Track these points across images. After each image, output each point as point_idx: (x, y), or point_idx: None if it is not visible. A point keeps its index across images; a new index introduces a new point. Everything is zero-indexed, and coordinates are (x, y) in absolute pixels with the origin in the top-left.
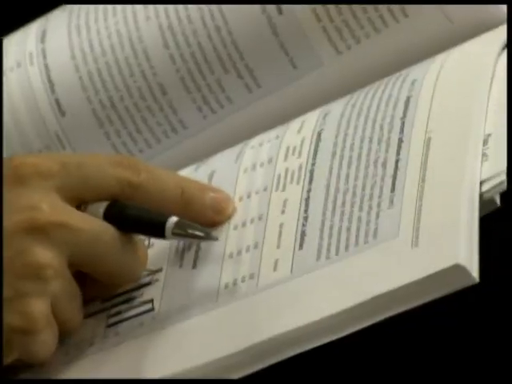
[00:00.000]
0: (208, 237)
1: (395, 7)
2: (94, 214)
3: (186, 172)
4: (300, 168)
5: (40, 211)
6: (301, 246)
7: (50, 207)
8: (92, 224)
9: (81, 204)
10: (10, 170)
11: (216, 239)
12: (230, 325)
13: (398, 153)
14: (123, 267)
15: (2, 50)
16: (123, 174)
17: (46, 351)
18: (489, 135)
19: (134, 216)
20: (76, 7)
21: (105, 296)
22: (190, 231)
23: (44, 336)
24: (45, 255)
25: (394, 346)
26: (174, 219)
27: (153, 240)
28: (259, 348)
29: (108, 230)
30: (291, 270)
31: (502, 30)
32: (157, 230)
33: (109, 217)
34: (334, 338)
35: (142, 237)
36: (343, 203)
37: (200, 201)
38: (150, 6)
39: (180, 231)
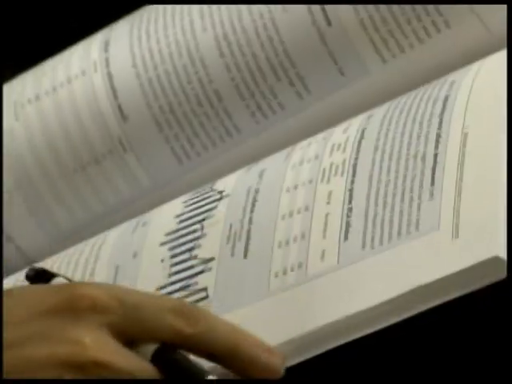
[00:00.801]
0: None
1: (438, 19)
2: (143, 354)
3: (239, 173)
4: (344, 162)
5: (83, 347)
6: (346, 236)
7: (95, 344)
8: (138, 366)
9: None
10: (67, 299)
11: None
12: (282, 313)
13: (437, 147)
14: None
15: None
16: (180, 324)
17: None
18: None
19: (178, 366)
20: (137, 18)
21: None
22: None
23: None
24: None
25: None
26: (211, 377)
27: (206, 229)
28: (310, 337)
29: (152, 373)
30: (338, 260)
31: None
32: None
33: (156, 360)
34: (378, 327)
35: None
36: (385, 194)
37: (250, 359)
38: (207, 17)
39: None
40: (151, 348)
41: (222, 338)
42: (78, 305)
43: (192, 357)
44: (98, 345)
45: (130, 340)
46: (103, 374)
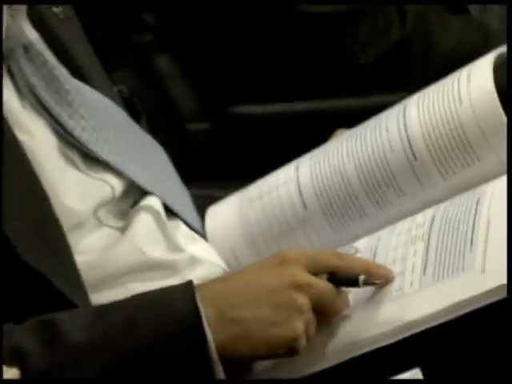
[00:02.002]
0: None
1: (473, 156)
2: (322, 278)
3: (364, 241)
4: (423, 234)
5: (299, 276)
6: (424, 271)
7: (303, 274)
8: (324, 284)
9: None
10: (278, 258)
11: (377, 284)
12: (385, 311)
13: (473, 225)
14: (337, 306)
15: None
16: (338, 263)
17: (300, 350)
18: None
19: (342, 279)
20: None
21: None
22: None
23: (301, 341)
24: (302, 300)
25: None
26: (362, 277)
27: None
28: (407, 325)
29: (331, 287)
30: (419, 286)
31: None
32: (353, 283)
33: (330, 280)
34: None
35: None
36: (445, 251)
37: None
38: (351, 154)
39: (366, 282)
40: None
41: (355, 265)
42: (286, 259)
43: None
44: (304, 275)
45: (314, 273)
46: (311, 291)
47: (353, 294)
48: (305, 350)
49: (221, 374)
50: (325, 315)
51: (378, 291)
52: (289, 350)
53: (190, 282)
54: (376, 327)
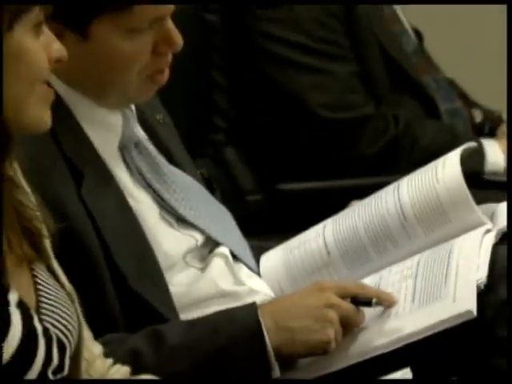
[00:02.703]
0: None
1: (446, 219)
2: (347, 301)
3: (369, 278)
4: (411, 274)
5: (331, 299)
6: (413, 299)
7: (334, 297)
8: (348, 305)
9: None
10: (316, 286)
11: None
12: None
13: (447, 266)
14: (357, 320)
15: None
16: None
17: (330, 351)
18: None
19: (360, 301)
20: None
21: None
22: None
23: (332, 345)
24: (333, 315)
25: None
26: (374, 300)
27: None
28: (405, 336)
29: (353, 307)
30: (410, 310)
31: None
32: (368, 304)
33: (352, 302)
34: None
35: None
36: (427, 286)
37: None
38: (361, 215)
39: (377, 303)
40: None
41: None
42: (323, 287)
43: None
44: (335, 298)
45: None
46: (339, 310)
47: (367, 312)
48: (333, 352)
49: (276, 368)
50: (348, 327)
51: (384, 312)
52: (322, 350)
53: (254, 303)
54: (383, 337)
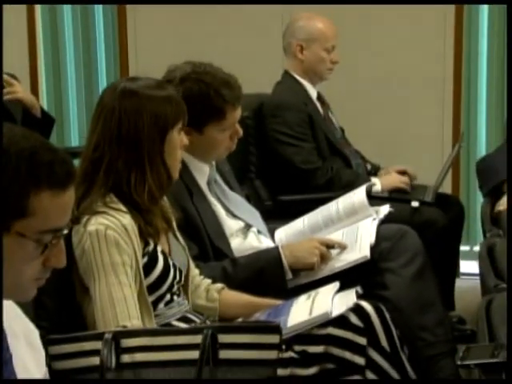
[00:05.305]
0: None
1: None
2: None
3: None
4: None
5: (317, 244)
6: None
7: (318, 244)
8: (324, 248)
9: None
10: (310, 239)
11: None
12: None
13: (357, 234)
14: (328, 255)
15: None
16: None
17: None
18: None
19: (330, 246)
20: None
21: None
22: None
23: (317, 265)
24: (318, 251)
25: None
26: (336, 246)
27: None
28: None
29: (326, 249)
30: (346, 252)
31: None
32: (332, 247)
33: (327, 247)
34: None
35: None
36: (349, 242)
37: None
38: (320, 212)
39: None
40: None
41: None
42: (313, 239)
43: None
44: (318, 244)
45: None
46: (321, 249)
47: (332, 251)
48: (317, 269)
49: (289, 274)
50: (324, 258)
51: (339, 252)
52: (312, 267)
53: (277, 246)
54: (338, 262)
